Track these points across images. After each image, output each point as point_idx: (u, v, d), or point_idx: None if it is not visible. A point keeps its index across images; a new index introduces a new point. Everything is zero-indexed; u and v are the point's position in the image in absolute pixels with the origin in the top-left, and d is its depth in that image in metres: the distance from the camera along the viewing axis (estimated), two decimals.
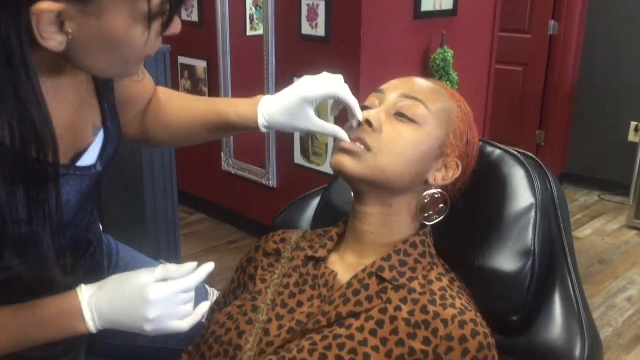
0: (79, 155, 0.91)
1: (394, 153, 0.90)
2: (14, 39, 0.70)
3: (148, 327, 0.86)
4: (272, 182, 3.18)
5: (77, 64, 0.80)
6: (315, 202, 1.26)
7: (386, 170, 0.90)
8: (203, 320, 1.22)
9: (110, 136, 0.96)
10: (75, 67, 0.82)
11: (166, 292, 0.86)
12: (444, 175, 0.95)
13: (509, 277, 0.92)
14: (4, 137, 0.73)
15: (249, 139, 3.36)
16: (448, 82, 2.76)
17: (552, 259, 0.96)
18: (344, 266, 0.95)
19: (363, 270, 0.91)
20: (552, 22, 4.02)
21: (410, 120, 0.91)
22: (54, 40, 0.73)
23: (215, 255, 3.20)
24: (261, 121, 1.00)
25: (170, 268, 0.88)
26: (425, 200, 0.95)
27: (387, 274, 0.90)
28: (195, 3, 3.34)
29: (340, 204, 1.16)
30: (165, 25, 0.78)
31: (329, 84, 0.95)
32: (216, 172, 3.51)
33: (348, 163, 0.90)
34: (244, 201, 3.43)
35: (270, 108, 0.99)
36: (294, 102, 0.96)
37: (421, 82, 0.97)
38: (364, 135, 0.90)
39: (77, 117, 0.89)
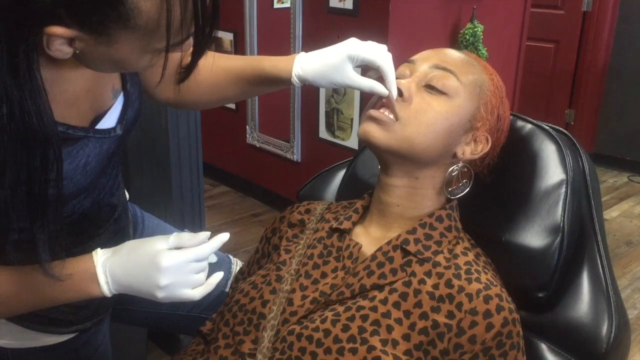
0: (98, 118, 0.91)
1: (422, 124, 0.88)
2: (21, 52, 0.70)
3: (160, 294, 0.87)
4: (297, 157, 3.18)
5: (83, 64, 0.80)
6: (340, 175, 1.26)
7: (414, 141, 0.88)
8: (226, 290, 1.24)
9: (131, 100, 0.96)
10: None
11: (179, 260, 0.86)
12: (473, 149, 0.93)
13: (537, 254, 0.91)
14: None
15: (275, 112, 3.35)
16: None
17: (582, 236, 0.94)
18: (368, 239, 0.95)
19: (388, 243, 0.91)
20: None
21: (441, 92, 0.90)
22: (60, 52, 0.73)
23: (238, 227, 3.23)
24: (296, 70, 0.99)
25: (184, 236, 0.89)
26: (453, 174, 0.93)
27: (412, 247, 0.89)
28: None
29: (366, 177, 1.15)
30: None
31: (376, 50, 0.94)
32: (241, 145, 3.52)
33: (376, 132, 0.89)
34: (268, 175, 3.44)
35: (309, 60, 0.99)
36: (337, 56, 0.96)
37: (453, 54, 0.95)
38: (393, 104, 0.89)
39: (96, 80, 0.90)
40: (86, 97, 0.89)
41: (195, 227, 2.20)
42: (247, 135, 3.46)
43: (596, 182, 0.99)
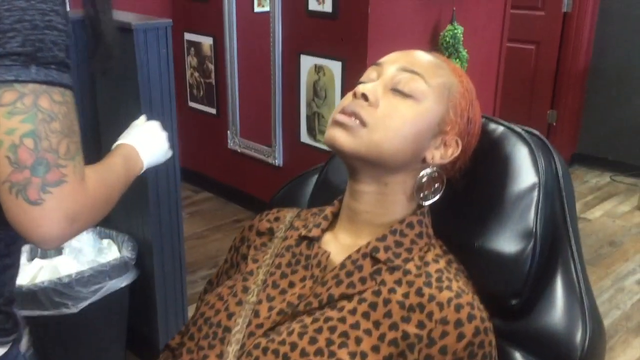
0: None
1: (389, 129, 0.86)
2: None
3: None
4: (279, 161, 3.15)
5: None
6: (314, 179, 1.23)
7: (381, 146, 0.86)
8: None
9: None
10: None
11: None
12: (442, 154, 0.91)
13: (509, 260, 0.89)
14: None
15: (256, 117, 3.33)
16: (458, 60, 2.70)
17: (555, 241, 0.92)
18: (338, 246, 0.92)
19: (357, 251, 0.88)
20: None
21: (408, 95, 0.87)
22: None
23: (220, 234, 3.19)
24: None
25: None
26: (423, 180, 0.91)
27: (381, 255, 0.87)
28: None
29: (337, 182, 1.12)
30: None
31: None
32: (222, 151, 3.49)
33: (342, 138, 0.86)
34: (250, 180, 3.41)
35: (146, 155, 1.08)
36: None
37: (422, 56, 0.93)
38: (359, 109, 0.86)
39: None
40: None
41: (173, 234, 2.16)
42: (229, 141, 3.43)
43: (570, 185, 0.97)
